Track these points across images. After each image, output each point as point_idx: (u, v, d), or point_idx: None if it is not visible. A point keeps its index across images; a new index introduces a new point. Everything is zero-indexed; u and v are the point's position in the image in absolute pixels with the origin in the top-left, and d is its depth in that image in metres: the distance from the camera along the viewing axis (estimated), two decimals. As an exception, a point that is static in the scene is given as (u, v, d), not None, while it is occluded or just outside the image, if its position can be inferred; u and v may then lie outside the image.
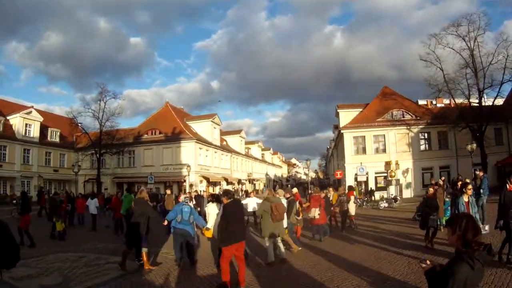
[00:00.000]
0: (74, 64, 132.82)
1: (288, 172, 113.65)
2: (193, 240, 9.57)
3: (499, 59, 29.17)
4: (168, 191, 18.94)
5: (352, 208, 14.68)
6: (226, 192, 7.50)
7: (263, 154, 77.28)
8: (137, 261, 9.03)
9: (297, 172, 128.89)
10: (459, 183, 14.15)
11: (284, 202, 10.22)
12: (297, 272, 7.87)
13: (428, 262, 2.87)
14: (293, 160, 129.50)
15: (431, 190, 10.72)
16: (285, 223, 9.96)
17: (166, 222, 9.30)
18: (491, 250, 2.69)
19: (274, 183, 71.26)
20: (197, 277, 7.88)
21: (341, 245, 10.86)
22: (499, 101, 32.45)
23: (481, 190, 13.26)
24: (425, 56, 31.83)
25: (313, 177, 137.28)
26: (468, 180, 14.98)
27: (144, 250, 8.67)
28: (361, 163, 32.55)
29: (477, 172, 16.01)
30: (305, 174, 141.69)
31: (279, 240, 9.01)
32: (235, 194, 9.18)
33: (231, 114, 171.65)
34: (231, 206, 6.96)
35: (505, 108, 33.26)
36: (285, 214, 9.86)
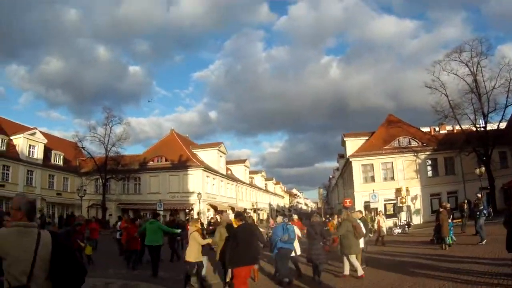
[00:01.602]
0: (73, 90, 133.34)
1: (290, 202, 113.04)
2: (298, 258, 10.24)
3: (502, 83, 29.73)
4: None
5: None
6: (238, 215, 7.66)
7: (266, 184, 76.99)
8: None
9: (298, 202, 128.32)
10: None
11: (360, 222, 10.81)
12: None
13: None
14: (294, 191, 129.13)
15: None
16: (362, 243, 10.46)
17: None
18: None
19: (277, 213, 70.66)
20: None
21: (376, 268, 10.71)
22: (502, 124, 32.79)
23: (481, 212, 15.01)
24: (430, 83, 32.39)
25: (314, 207, 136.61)
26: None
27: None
28: (373, 190, 32.47)
29: (478, 195, 17.42)
30: (306, 204, 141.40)
31: (353, 257, 9.37)
32: (247, 218, 9.32)
33: (229, 144, 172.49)
34: (243, 229, 6.96)
35: (508, 131, 33.43)
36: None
